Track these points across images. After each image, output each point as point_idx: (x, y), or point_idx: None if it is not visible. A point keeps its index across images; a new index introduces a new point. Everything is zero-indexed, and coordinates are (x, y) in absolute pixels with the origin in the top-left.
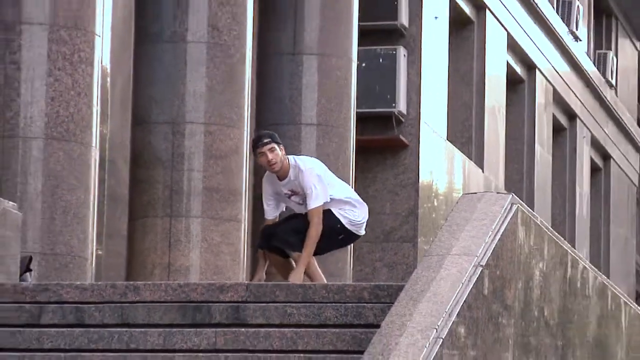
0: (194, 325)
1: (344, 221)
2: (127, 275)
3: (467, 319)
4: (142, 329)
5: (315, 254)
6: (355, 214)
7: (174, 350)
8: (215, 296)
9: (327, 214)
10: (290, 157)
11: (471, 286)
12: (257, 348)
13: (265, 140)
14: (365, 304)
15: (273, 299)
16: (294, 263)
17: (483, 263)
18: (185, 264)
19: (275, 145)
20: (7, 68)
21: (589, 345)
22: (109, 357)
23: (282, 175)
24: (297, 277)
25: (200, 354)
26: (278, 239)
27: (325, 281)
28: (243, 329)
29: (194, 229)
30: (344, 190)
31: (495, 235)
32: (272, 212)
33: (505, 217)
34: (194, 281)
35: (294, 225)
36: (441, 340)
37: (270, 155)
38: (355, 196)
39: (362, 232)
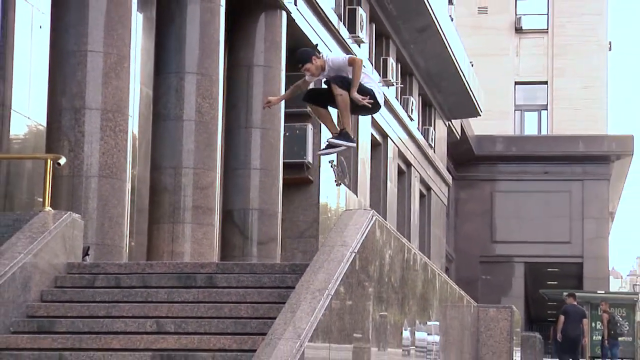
0: (186, 287)
1: (375, 91)
2: (147, 258)
3: (345, 283)
4: (155, 289)
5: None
6: (377, 90)
7: (173, 302)
8: (197, 270)
9: (361, 86)
10: (324, 54)
11: (348, 264)
12: (222, 301)
13: (299, 66)
14: (287, 274)
15: (232, 271)
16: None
17: (356, 250)
18: (182, 251)
19: (308, 64)
20: (76, 135)
21: (417, 298)
22: (134, 306)
23: (321, 71)
24: (354, 95)
25: (189, 304)
26: (329, 85)
27: (350, 126)
28: (214, 289)
29: (187, 230)
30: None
31: (363, 234)
32: None
33: (369, 223)
34: (186, 261)
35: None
36: (330, 295)
37: (307, 72)
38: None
39: (381, 104)
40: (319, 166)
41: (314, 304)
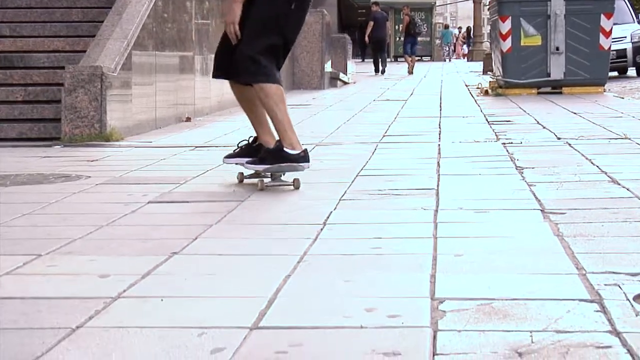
0: None
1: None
2: None
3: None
4: None
5: None
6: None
7: (7, 8)
8: None
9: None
10: None
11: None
12: (54, 6)
13: None
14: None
15: None
16: None
17: None
18: None
19: None
20: None
21: None
22: None
23: None
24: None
25: (22, 10)
26: None
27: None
28: None
29: None
30: None
31: None
32: None
33: None
34: None
35: None
36: (130, 45)
37: None
38: None
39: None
40: None
41: (139, 8)
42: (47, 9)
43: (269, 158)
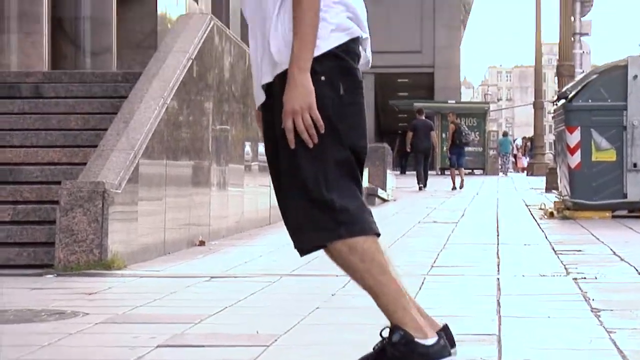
0: (10, 98)
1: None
2: None
3: (182, 92)
4: None
5: None
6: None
7: None
8: (22, 79)
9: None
10: None
11: (185, 71)
12: (50, 112)
13: None
14: (120, 83)
15: (60, 80)
16: None
17: (193, 57)
18: (8, 63)
19: None
20: None
21: None
22: None
23: None
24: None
25: (14, 116)
26: None
27: None
28: (41, 100)
29: (12, 40)
30: None
31: (200, 40)
32: None
33: (207, 28)
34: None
35: None
36: (166, 105)
37: None
38: None
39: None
40: None
41: (148, 114)
42: (42, 114)
43: None
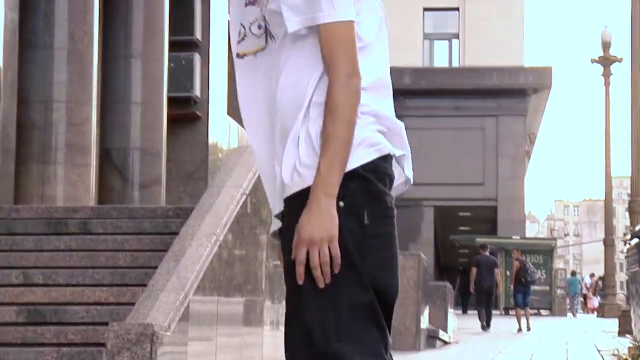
0: (56, 234)
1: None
2: (14, 203)
3: (235, 229)
4: (21, 236)
5: None
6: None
7: (42, 250)
8: (70, 215)
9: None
10: None
11: (239, 207)
12: (98, 249)
13: None
14: (171, 219)
15: (109, 216)
16: None
17: (247, 192)
18: (54, 195)
19: None
20: None
21: None
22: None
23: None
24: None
25: (60, 253)
26: None
27: None
28: (89, 236)
29: (59, 171)
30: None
31: (255, 174)
32: None
33: None
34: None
35: None
36: (218, 242)
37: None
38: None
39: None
40: (208, 100)
41: (200, 252)
42: (89, 251)
43: None
